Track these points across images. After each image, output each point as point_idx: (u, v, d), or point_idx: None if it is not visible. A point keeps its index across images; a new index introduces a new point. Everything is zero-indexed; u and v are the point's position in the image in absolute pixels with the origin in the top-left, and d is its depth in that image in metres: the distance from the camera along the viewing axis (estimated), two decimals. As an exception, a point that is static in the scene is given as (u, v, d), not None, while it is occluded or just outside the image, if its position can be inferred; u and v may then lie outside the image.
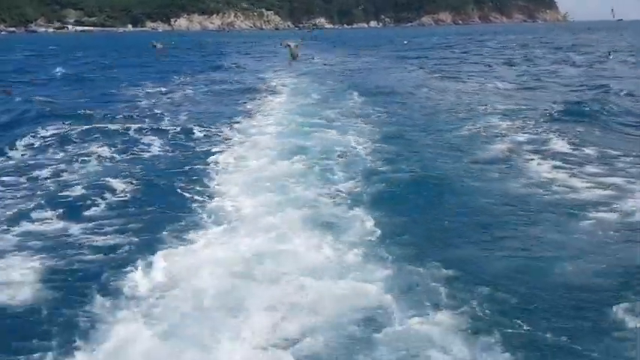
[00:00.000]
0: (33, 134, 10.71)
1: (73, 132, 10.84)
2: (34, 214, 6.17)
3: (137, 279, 4.64)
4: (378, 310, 4.12)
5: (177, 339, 3.81)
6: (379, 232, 5.60)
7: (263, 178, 7.64)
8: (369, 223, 5.82)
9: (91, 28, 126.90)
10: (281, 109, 13.97)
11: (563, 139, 9.50)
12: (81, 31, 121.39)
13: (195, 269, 4.83)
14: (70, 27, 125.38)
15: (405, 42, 56.98)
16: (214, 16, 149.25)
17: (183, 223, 5.93)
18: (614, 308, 4.03)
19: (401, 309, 4.10)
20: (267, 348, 3.70)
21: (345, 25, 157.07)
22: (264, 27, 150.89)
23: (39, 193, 7.09)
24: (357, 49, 45.57)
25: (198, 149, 9.60)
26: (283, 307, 4.17)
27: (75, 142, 10.23)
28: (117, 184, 7.28)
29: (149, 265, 4.86)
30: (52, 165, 8.60)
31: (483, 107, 13.61)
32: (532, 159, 8.40)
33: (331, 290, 4.40)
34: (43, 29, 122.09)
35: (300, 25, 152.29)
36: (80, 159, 8.87)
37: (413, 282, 4.55)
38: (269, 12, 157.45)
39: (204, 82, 21.25)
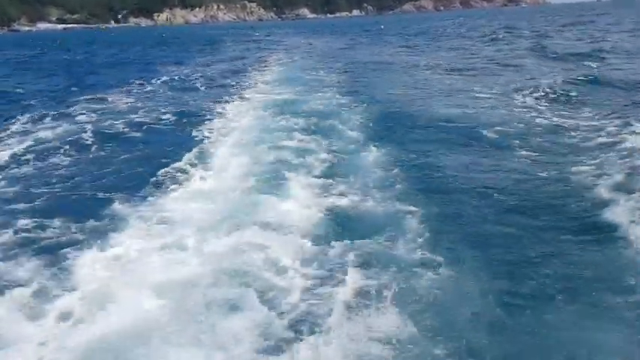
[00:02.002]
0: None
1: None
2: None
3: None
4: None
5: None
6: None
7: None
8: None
9: (75, 25, 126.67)
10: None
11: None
12: (63, 29, 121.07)
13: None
14: (59, 26, 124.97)
15: (382, 26, 59.72)
16: (197, 9, 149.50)
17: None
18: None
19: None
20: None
21: (328, 15, 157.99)
22: (247, 18, 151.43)
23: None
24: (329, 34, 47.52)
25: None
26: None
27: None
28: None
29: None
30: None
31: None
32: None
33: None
34: (26, 28, 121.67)
35: (283, 16, 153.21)
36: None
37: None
38: (252, 4, 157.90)
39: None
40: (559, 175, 6.63)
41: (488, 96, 12.52)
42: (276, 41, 42.26)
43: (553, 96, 11.84)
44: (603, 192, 5.85)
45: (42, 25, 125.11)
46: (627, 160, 6.78)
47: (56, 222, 5.76)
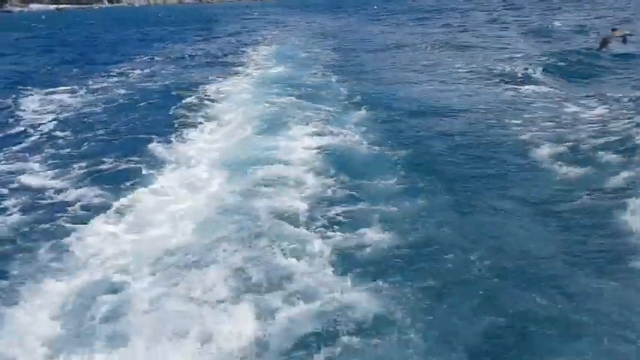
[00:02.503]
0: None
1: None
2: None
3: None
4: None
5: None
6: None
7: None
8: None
9: (67, 5, 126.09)
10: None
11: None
12: (56, 9, 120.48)
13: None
14: (51, 6, 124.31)
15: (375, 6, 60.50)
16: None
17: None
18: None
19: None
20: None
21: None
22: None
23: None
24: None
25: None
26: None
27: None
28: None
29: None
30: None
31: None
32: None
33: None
34: (18, 9, 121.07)
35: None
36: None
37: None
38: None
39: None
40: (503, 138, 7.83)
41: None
42: (272, 21, 43.29)
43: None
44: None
45: (34, 6, 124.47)
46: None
47: (106, 162, 7.58)
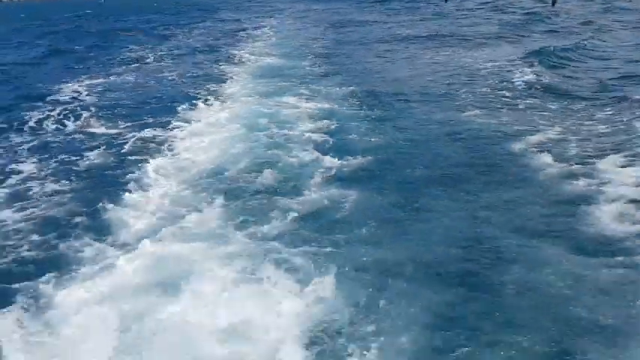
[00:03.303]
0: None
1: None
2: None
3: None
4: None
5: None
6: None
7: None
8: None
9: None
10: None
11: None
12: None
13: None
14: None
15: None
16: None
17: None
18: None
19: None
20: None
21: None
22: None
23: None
24: None
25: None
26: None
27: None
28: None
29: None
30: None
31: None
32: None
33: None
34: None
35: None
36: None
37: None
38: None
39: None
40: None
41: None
42: (270, 9, 45.05)
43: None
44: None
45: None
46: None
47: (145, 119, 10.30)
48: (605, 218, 5.50)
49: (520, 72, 12.51)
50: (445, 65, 14.38)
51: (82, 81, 14.99)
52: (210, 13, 43.77)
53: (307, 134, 8.75)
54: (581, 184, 6.38)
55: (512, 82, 11.67)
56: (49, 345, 4.10)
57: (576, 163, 7.01)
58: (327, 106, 10.52)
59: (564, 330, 3.98)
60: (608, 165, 6.81)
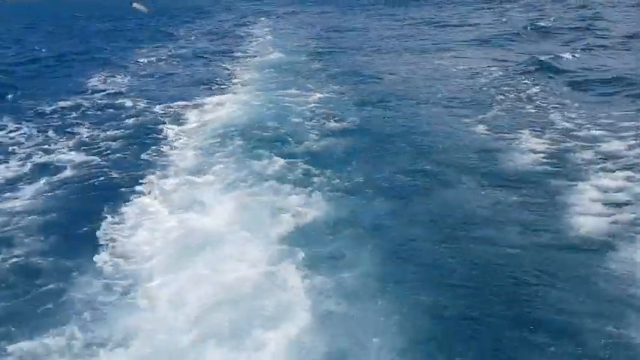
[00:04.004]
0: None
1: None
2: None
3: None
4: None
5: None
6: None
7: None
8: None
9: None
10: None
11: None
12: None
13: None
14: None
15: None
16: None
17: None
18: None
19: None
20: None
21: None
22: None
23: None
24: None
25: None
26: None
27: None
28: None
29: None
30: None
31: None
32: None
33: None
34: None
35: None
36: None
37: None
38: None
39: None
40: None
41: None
42: (265, 11, 45.02)
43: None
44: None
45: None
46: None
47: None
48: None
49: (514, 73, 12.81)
50: (433, 66, 15.05)
51: (83, 82, 15.06)
52: (208, 15, 43.60)
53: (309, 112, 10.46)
54: (573, 184, 6.54)
55: (509, 84, 11.86)
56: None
57: (576, 163, 7.16)
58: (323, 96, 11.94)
59: (565, 330, 4.15)
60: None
